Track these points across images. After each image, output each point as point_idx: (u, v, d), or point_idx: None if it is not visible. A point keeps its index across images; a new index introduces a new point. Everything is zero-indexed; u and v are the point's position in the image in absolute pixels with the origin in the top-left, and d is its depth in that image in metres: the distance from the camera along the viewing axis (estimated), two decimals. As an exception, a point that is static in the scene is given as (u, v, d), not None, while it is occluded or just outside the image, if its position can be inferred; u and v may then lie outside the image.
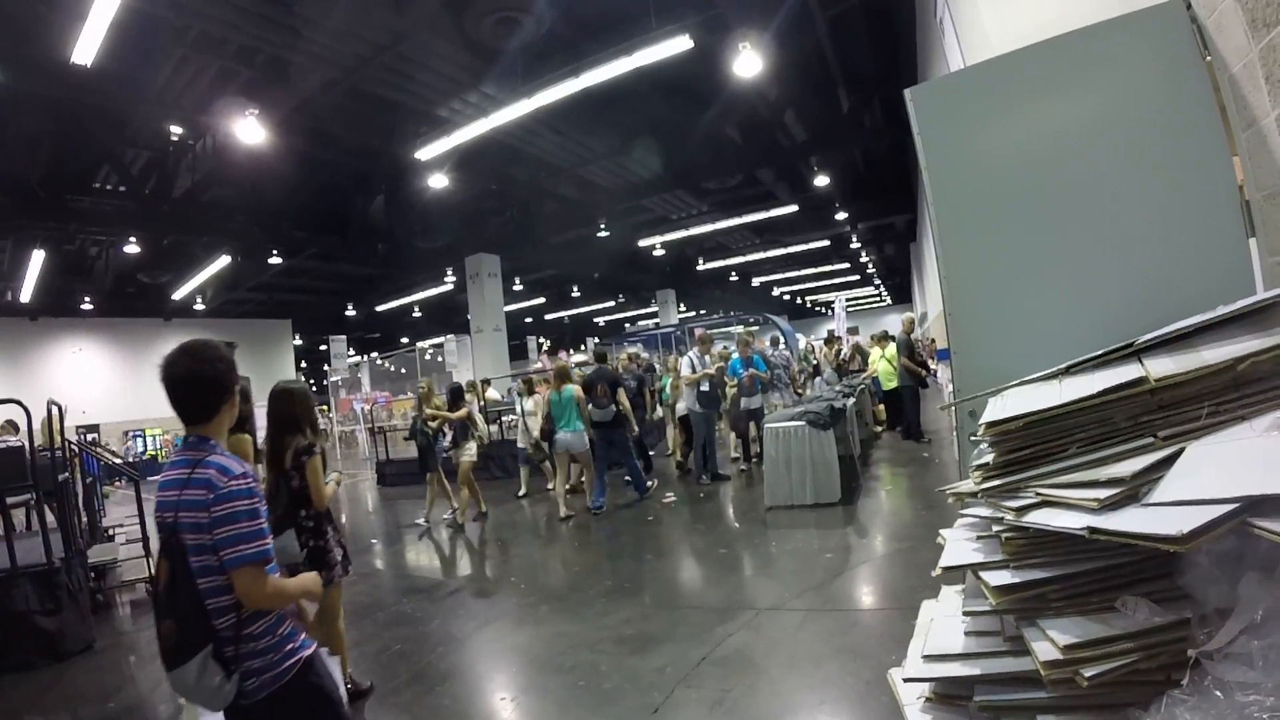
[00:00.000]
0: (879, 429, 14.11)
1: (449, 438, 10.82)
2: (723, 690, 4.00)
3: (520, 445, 11.94)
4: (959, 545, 2.33)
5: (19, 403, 6.52)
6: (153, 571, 7.74)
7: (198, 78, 12.40)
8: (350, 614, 6.47)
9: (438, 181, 15.41)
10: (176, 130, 14.08)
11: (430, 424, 10.63)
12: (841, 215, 22.38)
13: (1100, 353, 2.31)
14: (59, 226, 16.76)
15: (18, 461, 6.81)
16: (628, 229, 22.71)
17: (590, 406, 9.61)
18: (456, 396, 10.69)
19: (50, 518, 6.91)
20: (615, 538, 8.38)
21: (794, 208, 20.64)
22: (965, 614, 2.28)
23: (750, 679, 4.11)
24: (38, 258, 18.27)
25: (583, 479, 10.90)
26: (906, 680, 2.31)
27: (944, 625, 2.37)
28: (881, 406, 14.30)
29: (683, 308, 38.04)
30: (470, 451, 10.19)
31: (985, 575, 2.08)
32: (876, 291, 46.39)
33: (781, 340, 15.60)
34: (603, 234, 21.16)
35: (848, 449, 9.43)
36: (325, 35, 10.96)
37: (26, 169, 14.62)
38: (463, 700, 4.40)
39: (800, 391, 14.23)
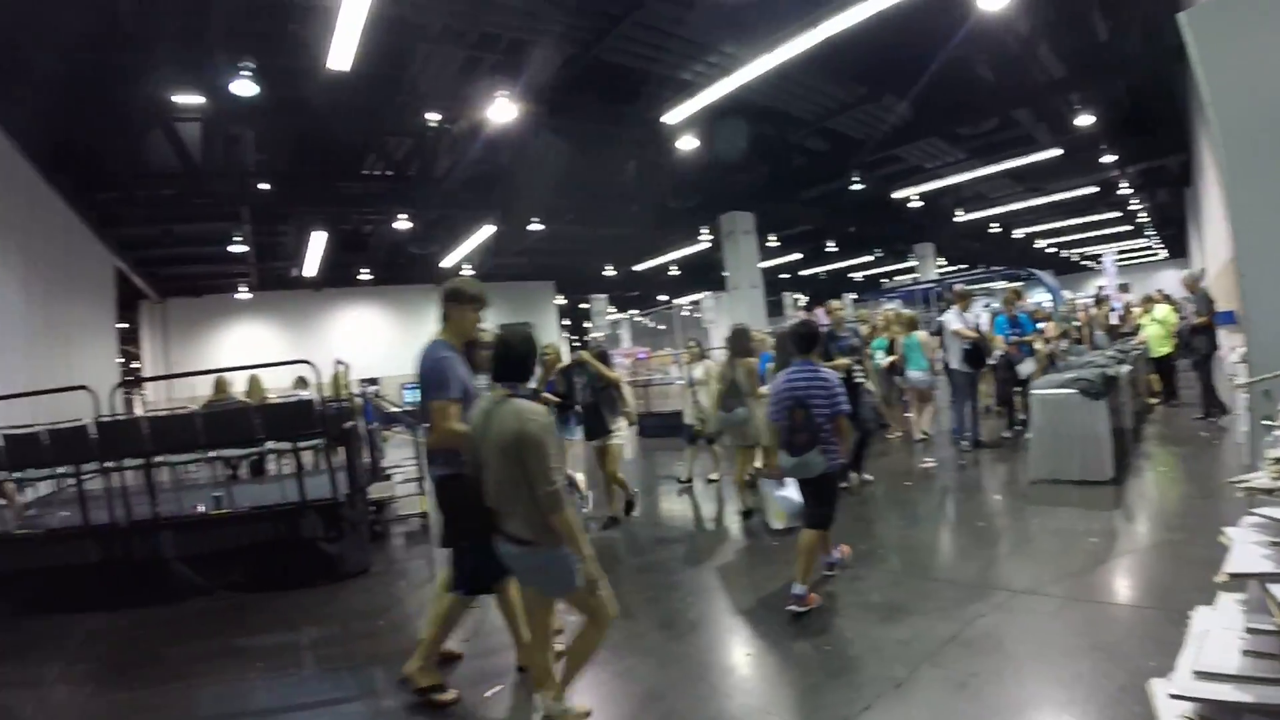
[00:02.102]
0: (1153, 401, 12.76)
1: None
2: (969, 673, 3.78)
3: (687, 421, 10.04)
4: (1246, 549, 2.01)
5: (309, 362, 7.72)
6: (425, 508, 8.95)
7: (446, 68, 13.24)
8: (603, 560, 6.81)
9: (686, 143, 15.57)
10: (433, 117, 15.16)
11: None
12: (1108, 158, 20.18)
13: None
14: (334, 210, 19.05)
15: (308, 412, 7.65)
16: (880, 180, 21.73)
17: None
18: (605, 359, 8.57)
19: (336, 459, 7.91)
20: (869, 502, 8.11)
21: (1056, 151, 18.68)
22: (1247, 631, 1.97)
23: (998, 664, 3.87)
24: (318, 238, 20.44)
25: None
26: (1173, 696, 2.04)
27: (1219, 640, 2.06)
28: (1155, 376, 12.90)
29: (942, 262, 35.94)
30: (625, 431, 8.19)
31: (1276, 589, 1.77)
32: (1149, 244, 41.22)
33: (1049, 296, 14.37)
34: (856, 186, 20.43)
35: (1119, 422, 8.52)
36: (560, 13, 11.36)
37: (299, 163, 16.45)
38: (706, 651, 4.50)
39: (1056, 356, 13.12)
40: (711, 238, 24.79)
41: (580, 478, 7.23)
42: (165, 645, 5.80)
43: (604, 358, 8.43)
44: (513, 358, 3.56)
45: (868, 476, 8.54)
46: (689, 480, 9.98)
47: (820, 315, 14.38)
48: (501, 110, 12.56)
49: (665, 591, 5.87)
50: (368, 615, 6.03)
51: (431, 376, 3.98)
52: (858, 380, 8.22)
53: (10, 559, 7.18)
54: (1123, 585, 5.01)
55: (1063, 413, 7.70)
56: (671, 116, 13.80)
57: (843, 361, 7.75)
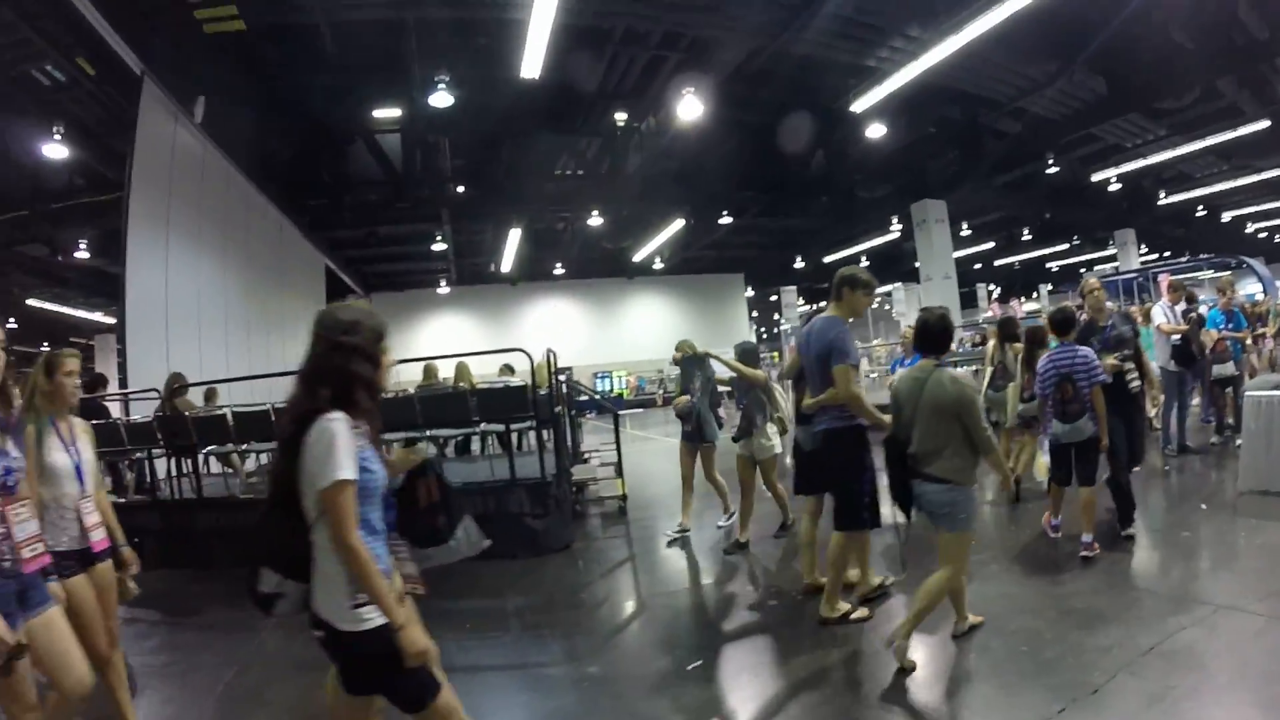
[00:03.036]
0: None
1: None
2: (1166, 686, 3.69)
3: None
4: None
5: (523, 350, 8.39)
6: (624, 491, 9.51)
7: (630, 69, 13.79)
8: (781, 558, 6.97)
9: (874, 131, 15.51)
10: (620, 117, 15.70)
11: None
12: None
13: None
14: (529, 209, 20.08)
15: (522, 397, 8.24)
16: (1076, 162, 20.71)
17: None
18: (754, 357, 7.69)
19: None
20: (1071, 504, 7.82)
21: (1263, 123, 17.07)
22: None
23: (1195, 680, 3.77)
24: (514, 235, 21.65)
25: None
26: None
27: None
28: None
29: (1143, 249, 33.25)
30: (770, 441, 7.13)
31: None
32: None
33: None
34: (1051, 169, 19.53)
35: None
36: (739, 8, 11.54)
37: (494, 166, 17.45)
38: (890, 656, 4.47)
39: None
40: (901, 227, 24.28)
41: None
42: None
43: (751, 356, 7.59)
44: (934, 334, 4.43)
45: (1131, 530, 6.37)
46: None
47: (1015, 307, 13.78)
48: (688, 107, 12.90)
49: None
50: (571, 588, 6.48)
51: (839, 345, 4.72)
52: (1133, 386, 6.63)
53: (236, 519, 8.22)
54: (1331, 608, 4.71)
55: (1276, 416, 7.16)
56: (859, 105, 13.78)
57: (1110, 361, 6.33)
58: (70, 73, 11.61)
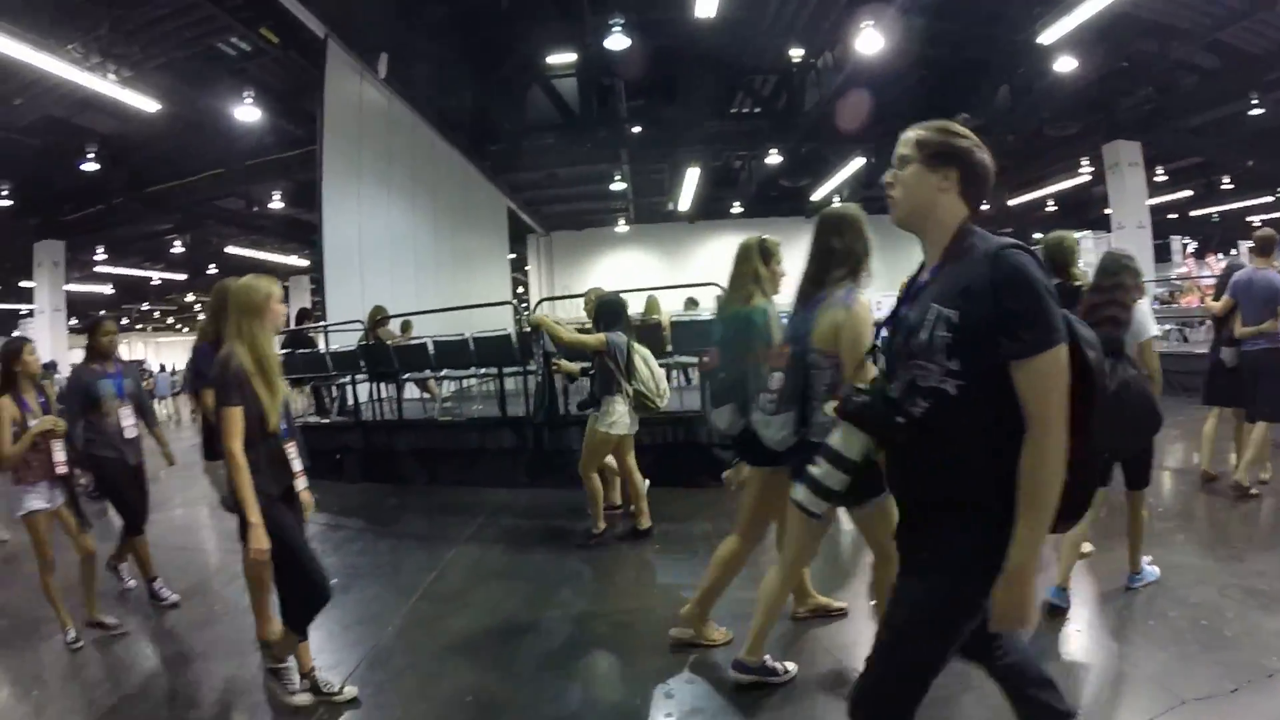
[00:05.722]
0: None
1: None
2: (1344, 678, 3.55)
3: None
4: None
5: (720, 285, 8.45)
6: None
7: (805, 3, 13.51)
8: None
9: (1063, 64, 14.51)
10: (796, 52, 15.42)
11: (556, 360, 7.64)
12: None
13: None
14: (705, 148, 20.01)
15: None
16: (1284, 103, 18.52)
17: None
18: (612, 314, 6.07)
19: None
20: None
21: None
22: None
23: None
24: (692, 174, 21.67)
25: None
26: None
27: None
28: None
29: (1361, 204, 29.14)
30: (616, 417, 5.84)
31: None
32: None
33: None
34: (1254, 110, 17.44)
35: None
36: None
37: (670, 106, 17.62)
38: (1081, 604, 4.50)
39: None
40: (1092, 170, 22.64)
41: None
42: (563, 520, 6.78)
43: (611, 310, 6.13)
44: None
45: None
46: None
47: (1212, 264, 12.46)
48: (868, 41, 12.51)
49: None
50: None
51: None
52: None
53: (434, 440, 9.02)
54: None
55: None
56: (1046, 36, 13.00)
57: None
58: (255, 43, 12.37)
